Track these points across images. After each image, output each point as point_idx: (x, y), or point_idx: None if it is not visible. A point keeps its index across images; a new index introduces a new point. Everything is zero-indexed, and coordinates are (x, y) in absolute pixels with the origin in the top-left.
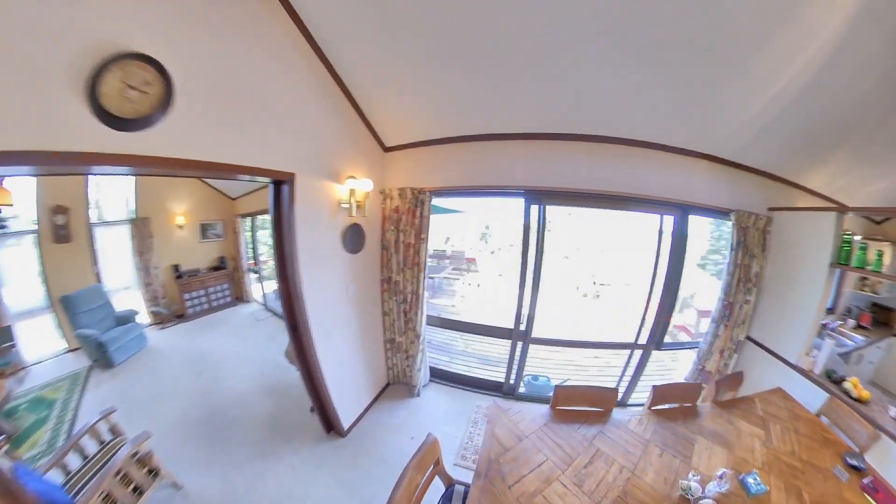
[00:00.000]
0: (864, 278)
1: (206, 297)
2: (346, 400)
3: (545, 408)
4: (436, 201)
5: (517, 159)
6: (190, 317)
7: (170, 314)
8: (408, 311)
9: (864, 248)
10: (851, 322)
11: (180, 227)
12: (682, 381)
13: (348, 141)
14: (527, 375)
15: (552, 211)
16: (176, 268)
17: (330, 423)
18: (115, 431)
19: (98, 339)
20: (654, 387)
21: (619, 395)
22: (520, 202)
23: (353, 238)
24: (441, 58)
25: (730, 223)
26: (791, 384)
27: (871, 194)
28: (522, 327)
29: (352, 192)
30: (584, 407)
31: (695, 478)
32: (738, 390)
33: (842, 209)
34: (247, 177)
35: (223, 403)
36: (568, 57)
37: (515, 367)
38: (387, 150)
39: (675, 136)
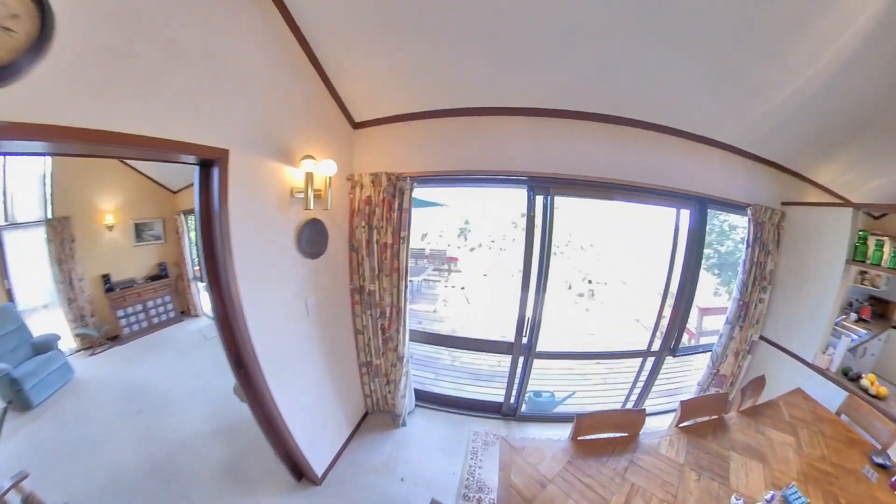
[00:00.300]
0: (864, 272)
1: (145, 313)
2: (317, 440)
3: (564, 440)
4: (416, 192)
5: (520, 140)
6: (126, 338)
7: (100, 336)
8: (386, 328)
9: (880, 245)
10: (853, 316)
11: (109, 227)
12: (697, 386)
13: (305, 110)
14: (528, 392)
15: (537, 202)
16: (106, 278)
17: (300, 471)
18: (29, 503)
19: (10, 374)
20: (681, 402)
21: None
22: (517, 192)
23: (312, 238)
24: (431, 10)
25: (722, 216)
26: (806, 383)
27: (870, 191)
28: (525, 340)
29: (308, 176)
30: (609, 434)
31: (738, 501)
32: (760, 395)
33: (848, 205)
34: (157, 154)
35: (168, 449)
36: (587, 24)
37: (517, 385)
38: (357, 125)
39: (699, 123)
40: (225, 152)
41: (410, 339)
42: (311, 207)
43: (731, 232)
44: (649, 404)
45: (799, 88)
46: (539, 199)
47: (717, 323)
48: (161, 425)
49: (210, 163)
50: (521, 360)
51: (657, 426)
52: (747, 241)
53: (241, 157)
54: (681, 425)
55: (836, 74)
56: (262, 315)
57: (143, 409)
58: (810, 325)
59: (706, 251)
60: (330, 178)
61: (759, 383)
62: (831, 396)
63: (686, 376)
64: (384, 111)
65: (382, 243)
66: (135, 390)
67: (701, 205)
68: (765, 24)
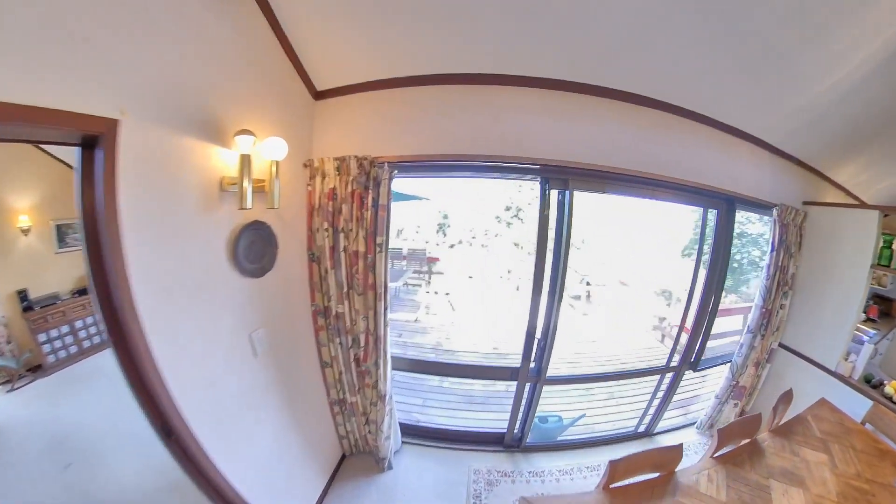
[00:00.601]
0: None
1: (73, 336)
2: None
3: (594, 490)
4: (395, 184)
5: (533, 118)
6: (50, 368)
7: (19, 368)
8: (361, 360)
9: None
10: (861, 316)
11: (25, 231)
12: (715, 398)
13: (246, 67)
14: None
15: (525, 194)
16: (22, 295)
17: None
18: None
19: None
20: (718, 431)
21: (645, 425)
22: (507, 183)
23: (254, 248)
24: None
25: (712, 214)
26: (828, 391)
27: (879, 192)
28: (533, 364)
29: (245, 160)
30: (644, 475)
31: None
32: (788, 408)
33: (866, 206)
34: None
35: None
36: None
37: (522, 413)
38: (319, 94)
39: (732, 112)
40: (112, 124)
41: (394, 368)
42: (250, 205)
43: None
44: (669, 416)
45: (839, 80)
46: (553, 194)
47: (720, 326)
48: (95, 481)
49: (90, 141)
50: (528, 386)
51: (673, 440)
52: (772, 243)
53: (141, 131)
54: (716, 455)
55: (877, 68)
56: (186, 364)
57: (74, 462)
58: (832, 331)
59: (703, 248)
60: (278, 163)
61: (787, 397)
62: (855, 405)
63: (699, 386)
64: (357, 76)
65: (352, 251)
66: (63, 436)
67: (729, 204)
68: (820, 6)
